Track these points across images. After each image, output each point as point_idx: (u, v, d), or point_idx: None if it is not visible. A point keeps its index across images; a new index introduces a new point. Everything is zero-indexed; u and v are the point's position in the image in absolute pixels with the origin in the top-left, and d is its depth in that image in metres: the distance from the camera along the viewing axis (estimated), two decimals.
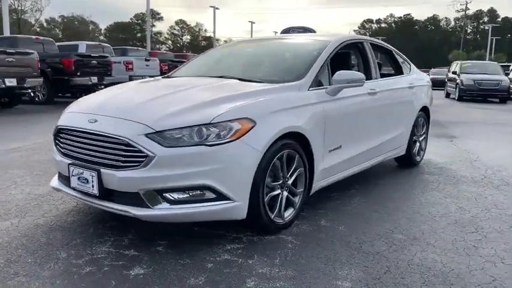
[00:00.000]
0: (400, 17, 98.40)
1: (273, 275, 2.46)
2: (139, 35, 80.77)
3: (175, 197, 2.66)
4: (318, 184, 3.48)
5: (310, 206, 3.66)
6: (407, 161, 5.16)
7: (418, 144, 5.23)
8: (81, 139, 2.89)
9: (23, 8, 58.85)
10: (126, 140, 2.63)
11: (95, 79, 12.31)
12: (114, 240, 2.90)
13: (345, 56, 4.17)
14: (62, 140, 3.07)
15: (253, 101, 2.96)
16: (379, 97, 4.19)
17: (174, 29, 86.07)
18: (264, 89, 3.21)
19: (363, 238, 3.01)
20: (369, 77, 4.24)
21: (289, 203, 3.18)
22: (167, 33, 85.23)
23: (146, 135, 2.62)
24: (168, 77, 4.21)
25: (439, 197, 4.01)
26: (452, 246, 2.90)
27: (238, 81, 3.48)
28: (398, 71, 5.10)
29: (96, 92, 3.61)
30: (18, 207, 3.53)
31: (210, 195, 2.68)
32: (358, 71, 4.28)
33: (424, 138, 5.41)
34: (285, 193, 3.11)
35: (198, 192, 2.68)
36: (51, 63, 11.76)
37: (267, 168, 2.86)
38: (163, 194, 2.64)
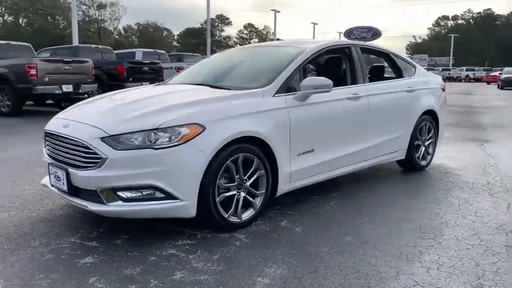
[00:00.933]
0: (479, 13, 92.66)
1: (203, 269, 2.65)
2: (209, 40, 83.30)
3: (128, 196, 2.93)
4: (285, 187, 3.60)
5: (282, 207, 3.80)
6: (410, 166, 5.08)
7: (422, 148, 5.12)
8: (57, 141, 3.27)
9: (102, 17, 62.98)
10: (85, 142, 2.96)
11: (146, 84, 13.06)
12: (85, 232, 3.24)
13: (328, 62, 4.23)
14: (46, 142, 3.48)
15: (207, 107, 3.17)
16: (365, 101, 4.21)
17: (243, 33, 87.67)
18: (225, 95, 3.42)
19: (312, 240, 3.11)
20: (353, 81, 4.27)
21: (249, 204, 3.34)
22: (236, 37, 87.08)
23: (101, 138, 2.93)
24: (163, 84, 4.54)
25: (421, 202, 3.96)
26: (397, 251, 2.91)
27: (209, 88, 3.70)
28: (398, 74, 5.04)
29: (85, 100, 4.00)
30: (23, 201, 3.99)
31: (159, 194, 2.93)
32: (344, 75, 4.34)
33: (432, 142, 5.28)
34: (243, 194, 3.28)
35: (150, 191, 2.94)
36: (107, 70, 12.68)
37: (218, 170, 3.06)
38: (117, 192, 2.93)
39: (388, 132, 4.57)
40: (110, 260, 2.78)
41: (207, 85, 3.81)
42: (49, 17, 65.44)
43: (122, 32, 71.42)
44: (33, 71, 10.09)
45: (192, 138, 2.95)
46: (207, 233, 3.20)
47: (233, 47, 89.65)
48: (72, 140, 3.06)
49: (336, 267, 2.69)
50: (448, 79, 49.50)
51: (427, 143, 5.20)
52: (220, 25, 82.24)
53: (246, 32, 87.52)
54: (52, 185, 3.34)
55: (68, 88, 10.81)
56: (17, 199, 4.04)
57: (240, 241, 3.08)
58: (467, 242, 3.07)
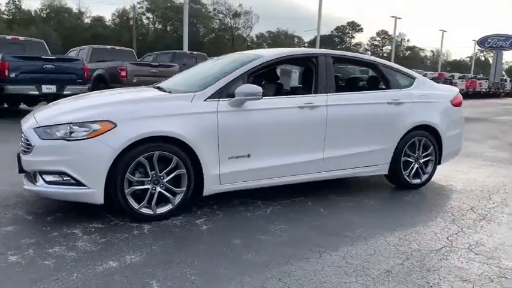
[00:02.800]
0: None
1: (79, 248, 3.01)
2: (338, 47, 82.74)
3: (50, 179, 3.42)
4: (214, 188, 3.77)
5: (219, 206, 3.97)
6: (398, 183, 4.79)
7: (415, 166, 4.78)
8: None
9: (237, 25, 66.84)
10: (25, 131, 3.53)
11: None
12: (35, 207, 3.83)
13: (295, 70, 4.26)
14: None
15: (128, 107, 3.55)
16: (323, 112, 4.14)
17: (375, 39, 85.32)
18: (156, 97, 3.75)
19: (203, 238, 3.27)
20: (316, 91, 4.24)
21: (168, 199, 3.61)
22: (367, 44, 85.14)
23: (34, 129, 3.47)
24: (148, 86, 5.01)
25: (362, 219, 3.79)
26: (266, 259, 2.92)
27: (156, 91, 4.05)
28: (386, 85, 4.78)
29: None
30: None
31: (72, 180, 3.37)
32: (307, 84, 4.33)
33: (430, 160, 4.88)
34: (158, 189, 3.55)
35: (68, 177, 3.39)
36: None
37: (128, 165, 3.39)
38: (43, 175, 3.44)
39: (358, 144, 4.40)
40: (23, 231, 3.30)
41: (160, 88, 4.16)
42: (192, 26, 71.47)
43: (255, 39, 74.81)
44: (123, 73, 11.46)
45: (101, 134, 3.33)
46: (122, 221, 3.54)
47: (363, 54, 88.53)
48: (22, 129, 3.67)
49: (188, 264, 2.82)
50: None
51: (422, 161, 4.83)
52: (350, 32, 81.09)
53: (378, 38, 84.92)
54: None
55: None
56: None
57: (140, 231, 3.37)
58: (349, 261, 2.94)
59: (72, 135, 3.34)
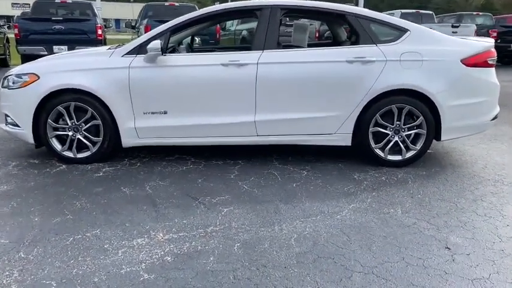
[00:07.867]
0: None
1: None
2: None
3: (9, 120, 4.21)
4: (131, 140, 3.98)
5: (150, 160, 4.17)
6: (372, 159, 3.99)
7: (393, 139, 3.90)
8: None
9: None
10: None
11: None
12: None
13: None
14: None
15: (50, 62, 4.10)
16: (252, 70, 3.78)
17: None
18: (80, 53, 4.19)
19: (78, 185, 3.57)
20: (252, 48, 3.90)
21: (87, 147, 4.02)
22: None
23: (4, 77, 4.29)
24: None
25: (239, 183, 3.45)
26: (82, 204, 3.08)
27: (107, 49, 4.39)
28: (355, 40, 3.91)
29: None
30: None
31: (13, 122, 4.07)
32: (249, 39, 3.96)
33: (420, 134, 3.88)
34: (78, 136, 3.98)
35: (11, 119, 4.10)
36: None
37: (49, 112, 3.92)
38: (7, 118, 4.26)
39: (301, 109, 3.86)
40: None
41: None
42: None
43: None
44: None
45: (29, 84, 3.92)
46: (56, 162, 4.11)
47: None
48: None
49: (31, 198, 3.21)
50: None
51: (406, 133, 3.90)
52: None
53: None
54: None
55: None
56: None
57: (52, 169, 3.89)
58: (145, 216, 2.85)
59: (14, 85, 4.03)
